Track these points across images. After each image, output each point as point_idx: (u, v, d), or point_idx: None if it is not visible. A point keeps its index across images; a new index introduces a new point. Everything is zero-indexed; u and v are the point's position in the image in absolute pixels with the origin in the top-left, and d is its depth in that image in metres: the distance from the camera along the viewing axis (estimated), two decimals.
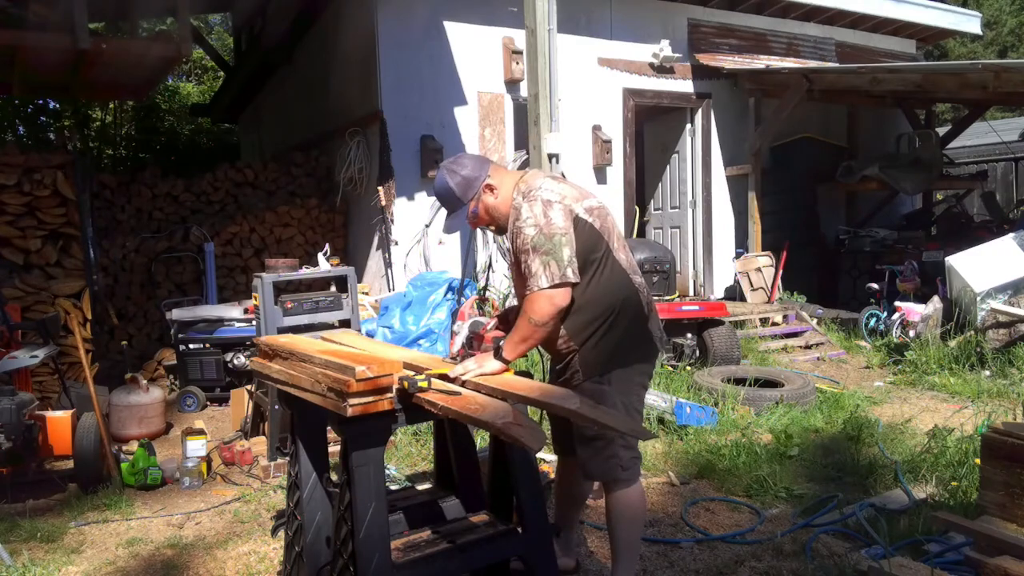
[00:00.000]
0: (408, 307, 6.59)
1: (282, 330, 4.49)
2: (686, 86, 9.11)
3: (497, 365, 2.47)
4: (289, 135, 10.56)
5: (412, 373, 2.28)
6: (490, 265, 7.50)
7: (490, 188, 2.70)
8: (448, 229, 2.84)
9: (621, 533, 2.79)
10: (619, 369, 2.70)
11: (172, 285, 7.89)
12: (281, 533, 3.21)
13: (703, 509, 3.82)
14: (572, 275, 2.54)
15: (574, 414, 2.15)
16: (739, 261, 9.03)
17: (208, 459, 4.66)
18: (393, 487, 3.42)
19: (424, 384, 2.19)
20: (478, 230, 7.72)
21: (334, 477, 2.61)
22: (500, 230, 2.79)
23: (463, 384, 2.39)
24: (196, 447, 4.65)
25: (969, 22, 11.48)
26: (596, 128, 8.43)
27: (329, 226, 8.49)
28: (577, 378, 2.70)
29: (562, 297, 2.54)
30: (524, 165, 7.42)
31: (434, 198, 7.54)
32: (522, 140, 7.65)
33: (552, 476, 4.14)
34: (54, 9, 5.84)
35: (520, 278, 2.67)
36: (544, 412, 3.03)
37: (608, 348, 2.68)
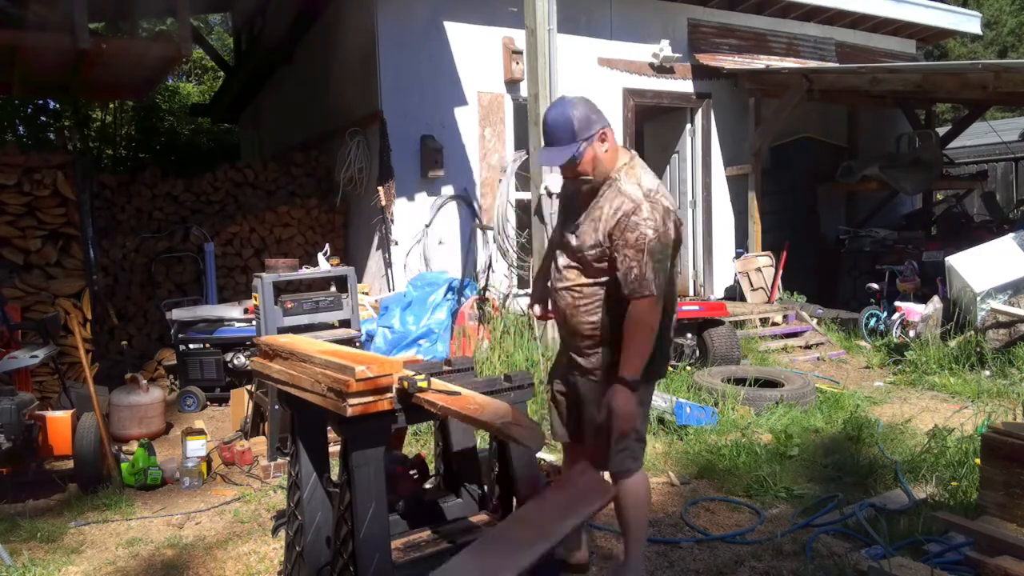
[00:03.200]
0: (408, 307, 6.59)
1: (282, 330, 4.50)
2: (686, 86, 9.11)
3: (633, 396, 2.56)
4: (289, 135, 10.56)
5: (412, 372, 2.28)
6: (490, 265, 7.51)
7: (604, 137, 2.64)
8: (544, 160, 2.77)
9: (631, 518, 2.88)
10: (644, 384, 2.73)
11: (172, 285, 7.89)
12: (281, 533, 3.21)
13: (703, 509, 3.82)
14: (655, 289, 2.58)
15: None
16: (739, 261, 9.03)
17: (208, 459, 4.66)
18: None
19: (424, 384, 2.19)
20: (477, 232, 7.74)
21: (334, 477, 2.61)
22: (588, 186, 2.70)
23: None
24: (196, 447, 4.65)
25: (969, 22, 11.48)
26: None
27: (329, 226, 8.49)
28: (599, 374, 2.74)
29: (659, 305, 2.60)
30: (524, 165, 7.42)
31: (434, 198, 7.59)
32: (522, 140, 7.65)
33: (552, 476, 4.14)
34: (54, 9, 5.84)
35: (605, 262, 2.63)
36: (549, 405, 3.08)
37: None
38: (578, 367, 2.81)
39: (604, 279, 2.68)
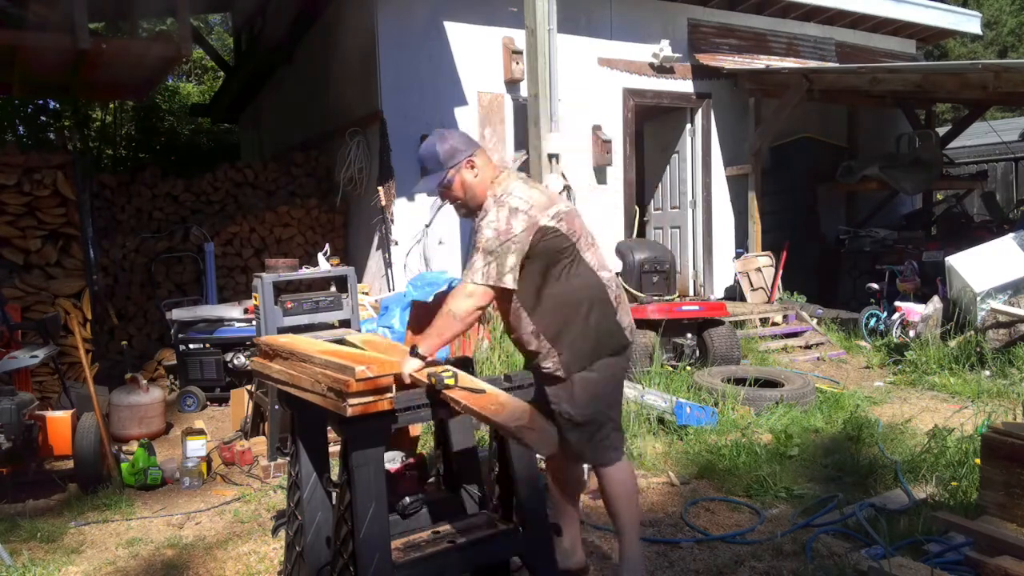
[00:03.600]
0: (408, 307, 6.58)
1: (282, 330, 4.50)
2: (686, 86, 9.11)
3: (416, 363, 2.42)
4: (289, 135, 10.56)
5: (439, 369, 2.31)
6: None
7: (472, 165, 2.79)
8: (418, 189, 2.96)
9: (621, 509, 2.92)
10: (598, 361, 2.80)
11: (172, 285, 7.89)
12: (281, 533, 3.21)
13: (703, 509, 3.82)
14: (511, 282, 2.63)
15: (509, 431, 2.15)
16: (739, 261, 9.03)
17: (208, 459, 4.66)
18: None
19: (451, 381, 2.22)
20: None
21: (334, 477, 2.61)
22: (466, 211, 2.88)
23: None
24: (196, 447, 4.64)
25: (969, 22, 11.48)
26: (596, 128, 8.42)
27: (329, 226, 8.49)
28: (559, 373, 2.80)
29: (485, 298, 2.63)
30: (524, 165, 7.42)
31: (435, 198, 7.58)
32: (522, 140, 7.65)
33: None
34: (54, 9, 5.84)
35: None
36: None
37: (584, 344, 2.78)
38: (540, 376, 2.81)
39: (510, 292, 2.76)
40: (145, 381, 5.54)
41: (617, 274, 6.44)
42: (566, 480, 3.16)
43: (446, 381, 2.20)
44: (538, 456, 2.71)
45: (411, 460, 3.40)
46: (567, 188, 6.48)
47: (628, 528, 2.93)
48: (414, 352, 2.46)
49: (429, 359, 2.45)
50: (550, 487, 3.25)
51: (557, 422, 2.84)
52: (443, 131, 2.88)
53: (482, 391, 2.26)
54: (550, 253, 2.73)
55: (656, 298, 6.80)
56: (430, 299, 6.66)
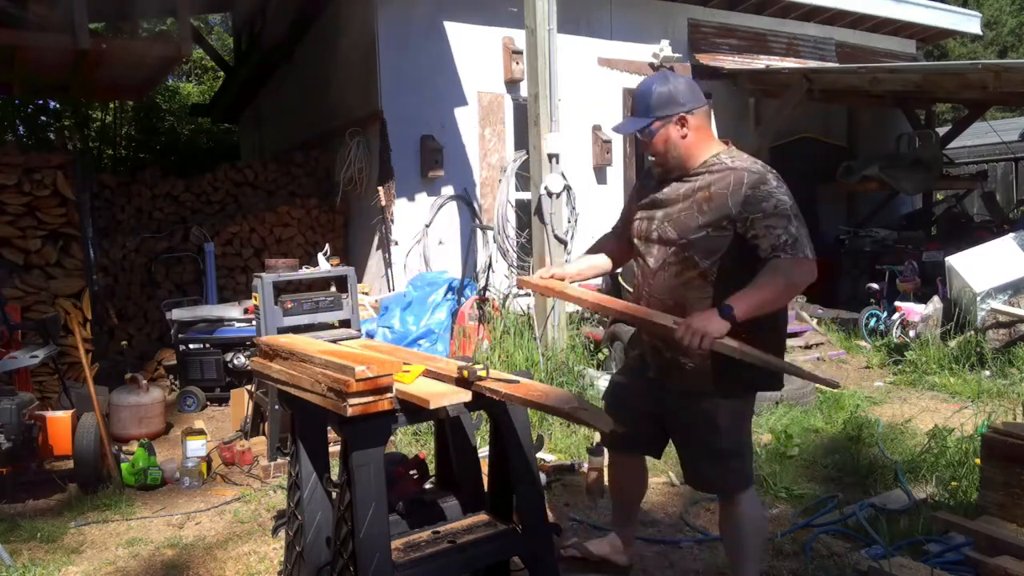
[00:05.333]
0: (408, 307, 6.58)
1: (282, 330, 4.49)
2: None
3: (724, 326, 2.22)
4: (289, 135, 10.55)
5: (473, 364, 2.34)
6: (490, 265, 7.50)
7: (683, 123, 2.45)
8: (619, 128, 2.64)
9: (746, 542, 2.68)
10: (753, 391, 2.60)
11: (172, 285, 7.88)
12: (281, 533, 3.21)
13: (703, 509, 3.81)
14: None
15: (564, 414, 2.16)
16: None
17: (208, 459, 4.66)
18: None
19: (483, 373, 2.26)
20: (477, 232, 7.74)
21: (334, 477, 2.61)
22: (663, 169, 2.56)
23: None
24: (196, 447, 4.64)
25: (969, 22, 11.48)
26: (596, 128, 8.42)
27: (329, 226, 8.49)
28: (709, 387, 2.50)
29: (815, 274, 2.35)
30: (524, 165, 7.42)
31: (434, 198, 7.59)
32: (522, 140, 7.65)
33: (552, 476, 4.14)
34: (54, 9, 5.84)
35: (717, 245, 2.44)
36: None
37: (759, 369, 2.41)
38: (683, 377, 2.54)
39: (713, 267, 2.46)
40: (145, 381, 5.54)
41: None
42: (633, 491, 3.04)
43: (479, 373, 2.26)
44: (538, 455, 2.70)
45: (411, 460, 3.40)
46: (567, 188, 6.47)
47: (745, 565, 2.68)
48: (727, 312, 2.22)
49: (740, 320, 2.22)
50: (612, 490, 3.16)
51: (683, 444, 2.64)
52: (668, 73, 2.53)
53: (516, 382, 2.29)
54: None
55: None
56: (431, 297, 6.62)
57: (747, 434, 2.67)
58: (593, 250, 2.92)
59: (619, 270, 2.77)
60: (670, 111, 2.43)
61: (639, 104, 2.49)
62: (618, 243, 2.85)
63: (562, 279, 2.76)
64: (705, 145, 2.50)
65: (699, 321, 2.26)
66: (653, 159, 2.59)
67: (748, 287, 2.31)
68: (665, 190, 2.57)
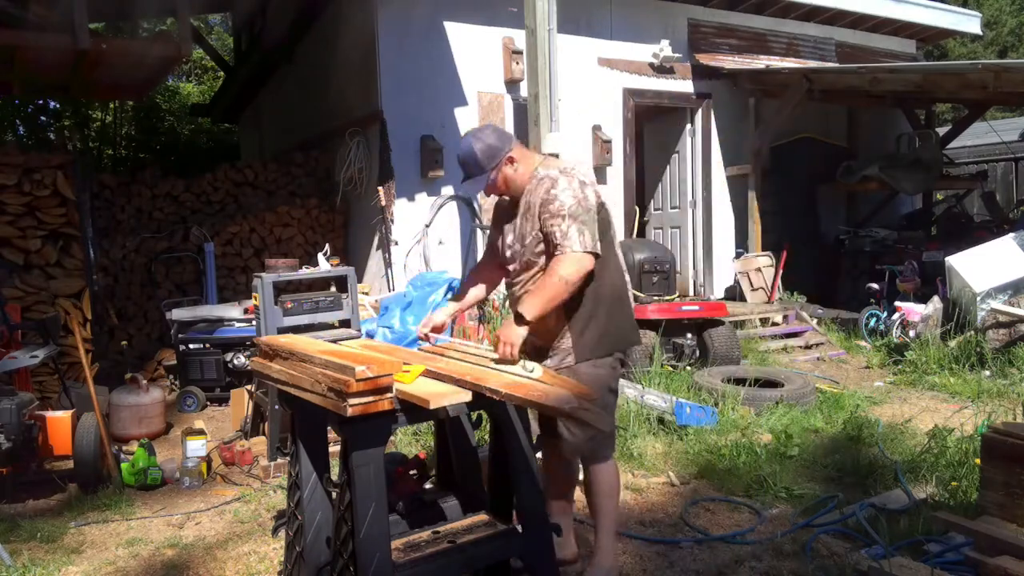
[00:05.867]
0: (408, 307, 6.58)
1: (282, 330, 4.49)
2: (686, 86, 9.11)
3: (523, 331, 2.61)
4: (289, 135, 10.55)
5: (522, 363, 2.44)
6: None
7: (511, 160, 2.84)
8: (464, 191, 3.05)
9: (604, 505, 2.99)
10: (610, 357, 2.86)
11: (172, 285, 7.88)
12: (281, 533, 3.21)
13: (703, 509, 3.82)
14: (599, 250, 2.71)
15: (565, 413, 2.18)
16: (739, 261, 9.03)
17: (208, 459, 4.66)
18: None
19: (537, 375, 2.33)
20: (477, 232, 7.74)
21: (334, 477, 2.61)
22: (510, 197, 2.92)
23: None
24: (196, 447, 4.65)
25: (969, 22, 11.48)
26: (596, 128, 8.43)
27: (329, 226, 8.49)
28: (568, 360, 2.83)
29: (590, 264, 2.69)
30: None
31: (434, 198, 7.59)
32: (522, 140, 7.62)
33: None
34: (54, 9, 5.84)
35: (542, 244, 2.78)
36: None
37: (606, 333, 2.83)
38: (550, 362, 2.87)
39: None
40: (145, 381, 5.54)
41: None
42: (560, 473, 3.16)
43: (533, 375, 2.33)
44: (538, 455, 2.71)
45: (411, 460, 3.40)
46: None
47: (607, 524, 3.00)
48: (520, 319, 2.59)
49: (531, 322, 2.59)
50: (544, 477, 3.26)
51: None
52: (476, 131, 2.91)
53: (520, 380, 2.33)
54: (600, 232, 2.77)
55: (656, 298, 6.80)
56: (431, 297, 6.65)
57: (608, 400, 2.93)
58: (468, 283, 3.23)
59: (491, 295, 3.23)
60: (498, 158, 2.82)
61: (472, 165, 2.85)
62: (489, 270, 3.18)
63: (441, 327, 3.10)
64: (528, 168, 2.88)
65: (503, 333, 2.64)
66: (494, 193, 2.95)
67: (534, 289, 2.75)
68: (514, 212, 2.94)
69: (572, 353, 2.82)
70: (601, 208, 2.81)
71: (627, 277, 2.97)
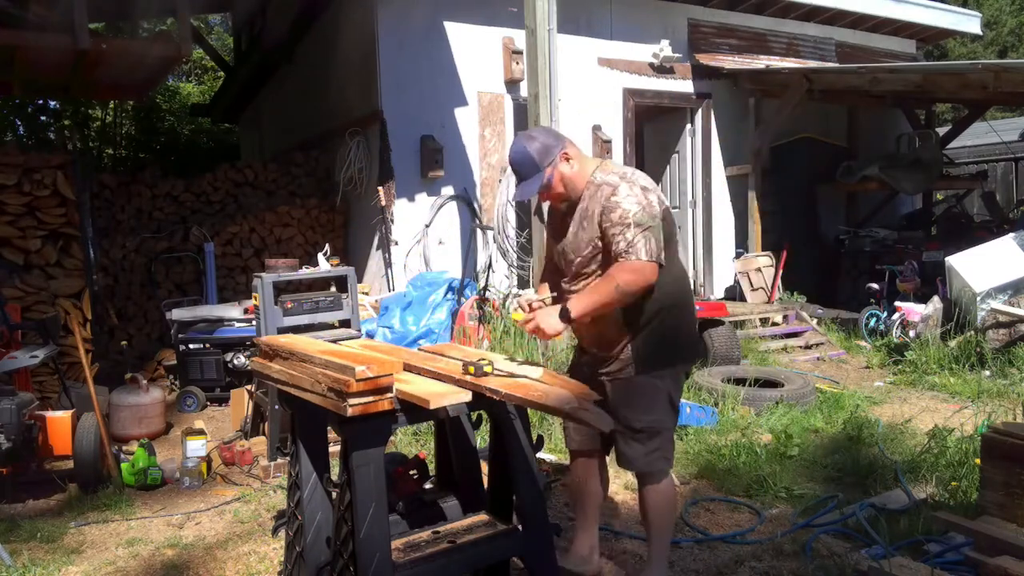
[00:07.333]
0: (408, 307, 6.58)
1: (282, 330, 4.50)
2: (686, 86, 9.11)
3: (559, 326, 2.56)
4: (289, 135, 10.56)
5: (480, 358, 2.39)
6: (490, 265, 7.51)
7: (567, 157, 2.73)
8: (519, 196, 2.85)
9: (658, 521, 2.87)
10: (670, 369, 2.76)
11: (172, 285, 7.88)
12: (281, 533, 3.21)
13: (703, 509, 3.82)
14: (663, 259, 2.61)
15: (565, 414, 2.17)
16: (739, 261, 9.03)
17: (208, 459, 4.66)
18: None
19: (489, 369, 2.30)
20: (477, 232, 7.74)
21: (334, 477, 2.61)
22: (568, 204, 2.80)
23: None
24: (196, 447, 4.65)
25: (969, 22, 11.49)
26: (596, 128, 8.42)
27: (329, 226, 8.49)
28: (628, 371, 2.75)
29: (654, 274, 2.58)
30: None
31: (434, 198, 7.59)
32: None
33: (552, 476, 4.14)
34: (54, 9, 5.83)
35: (601, 255, 2.69)
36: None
37: (664, 344, 2.73)
38: (607, 372, 2.80)
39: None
40: (145, 381, 5.54)
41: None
42: (589, 485, 3.08)
43: (484, 369, 2.29)
44: (537, 455, 2.70)
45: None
46: None
47: (660, 541, 2.90)
48: (564, 313, 2.54)
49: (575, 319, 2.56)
50: (572, 490, 3.20)
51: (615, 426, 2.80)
52: (528, 132, 2.82)
53: (520, 378, 2.32)
54: (665, 239, 2.65)
55: None
56: (431, 297, 6.63)
57: (666, 414, 2.80)
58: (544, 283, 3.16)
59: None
60: (554, 155, 2.71)
61: (527, 167, 2.72)
62: (552, 275, 3.08)
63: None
64: (585, 168, 2.77)
65: (542, 319, 2.62)
66: (558, 201, 2.84)
67: (586, 289, 2.68)
68: (568, 219, 2.82)
69: (632, 364, 2.73)
70: (666, 215, 2.70)
71: (690, 284, 2.87)
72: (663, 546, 2.91)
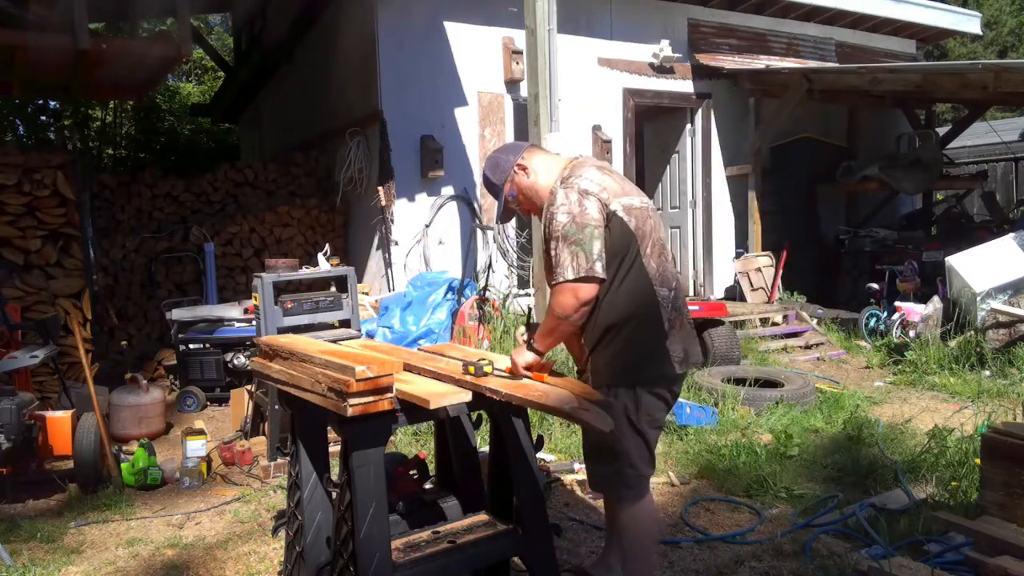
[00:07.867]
0: (408, 307, 6.58)
1: (282, 330, 4.49)
2: (686, 86, 9.11)
3: (530, 356, 2.50)
4: (289, 135, 10.56)
5: (480, 358, 2.41)
6: (490, 265, 7.51)
7: (522, 168, 2.65)
8: (500, 219, 2.81)
9: (626, 545, 2.72)
10: (624, 388, 2.54)
11: (172, 285, 7.88)
12: (281, 533, 3.21)
13: (703, 509, 3.82)
14: (600, 270, 2.44)
15: (564, 414, 2.16)
16: (739, 261, 9.03)
17: (208, 459, 4.66)
18: None
19: (489, 369, 2.32)
20: (477, 232, 7.74)
21: (334, 477, 2.61)
22: (540, 211, 2.68)
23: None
24: (196, 447, 4.65)
25: (969, 22, 11.49)
26: (596, 128, 8.42)
27: (329, 226, 8.49)
28: (592, 383, 2.61)
29: (587, 291, 2.44)
30: None
31: (434, 198, 7.59)
32: (522, 140, 7.64)
33: (552, 476, 4.14)
34: (54, 9, 5.84)
35: (549, 265, 2.59)
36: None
37: (617, 360, 2.53)
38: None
39: None
40: (145, 381, 5.54)
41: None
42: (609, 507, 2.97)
43: (484, 369, 2.30)
44: (538, 455, 2.70)
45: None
46: None
47: (630, 565, 2.70)
48: (530, 346, 2.51)
49: (543, 353, 2.51)
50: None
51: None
52: (493, 152, 2.78)
53: (519, 379, 2.33)
54: (609, 249, 2.49)
55: None
56: (431, 297, 6.65)
57: (623, 435, 2.53)
58: None
59: None
60: (507, 170, 2.67)
61: (492, 187, 2.73)
62: None
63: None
64: (550, 173, 2.66)
65: (516, 356, 2.53)
66: (531, 212, 2.77)
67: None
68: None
69: (590, 377, 2.60)
70: (612, 218, 2.48)
71: (663, 298, 2.56)
72: (634, 570, 2.69)
